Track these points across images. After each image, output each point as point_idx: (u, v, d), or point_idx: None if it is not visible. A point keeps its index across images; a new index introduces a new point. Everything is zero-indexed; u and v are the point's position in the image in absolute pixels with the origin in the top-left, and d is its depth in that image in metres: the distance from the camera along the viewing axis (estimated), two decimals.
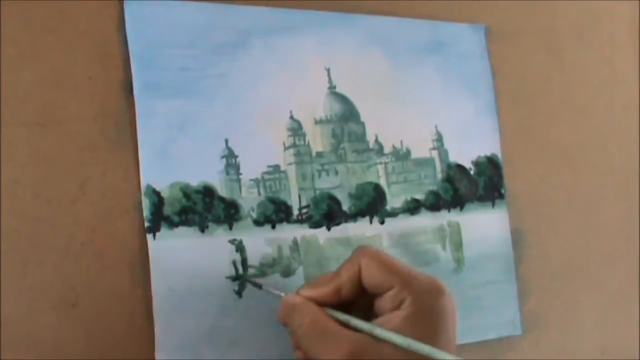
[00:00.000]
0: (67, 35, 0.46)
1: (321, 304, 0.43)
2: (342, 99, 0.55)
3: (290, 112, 0.53)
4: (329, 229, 0.53)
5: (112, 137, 0.47)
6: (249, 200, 0.50)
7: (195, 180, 0.48)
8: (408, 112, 0.57)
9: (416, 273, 0.42)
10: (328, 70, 0.55)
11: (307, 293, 0.43)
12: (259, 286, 0.48)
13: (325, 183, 0.53)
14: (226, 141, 0.50)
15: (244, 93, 0.51)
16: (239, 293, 0.49)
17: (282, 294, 0.45)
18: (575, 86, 0.67)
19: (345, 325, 0.42)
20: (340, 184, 0.54)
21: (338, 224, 0.53)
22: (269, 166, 0.51)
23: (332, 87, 0.55)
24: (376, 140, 0.56)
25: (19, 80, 0.45)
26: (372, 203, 0.55)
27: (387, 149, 0.56)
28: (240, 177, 0.50)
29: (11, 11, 0.45)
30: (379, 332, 0.40)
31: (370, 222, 0.54)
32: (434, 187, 0.58)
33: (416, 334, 0.40)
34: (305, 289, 0.44)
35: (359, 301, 0.43)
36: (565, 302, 0.64)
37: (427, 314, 0.41)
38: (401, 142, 0.57)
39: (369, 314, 0.43)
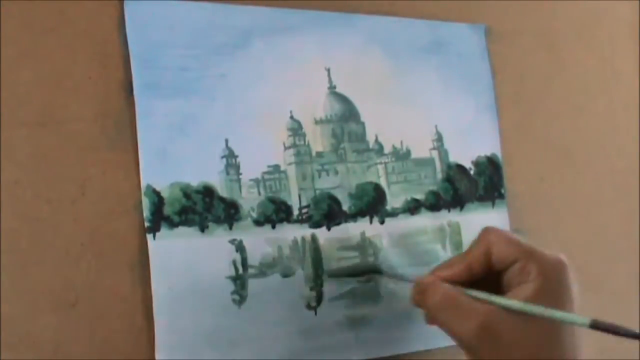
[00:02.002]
0: (67, 35, 0.46)
1: (454, 282, 0.45)
2: (342, 99, 0.55)
3: (290, 112, 0.53)
4: (329, 229, 0.53)
5: (112, 137, 0.47)
6: (249, 200, 0.50)
7: (195, 180, 0.48)
8: (408, 112, 0.57)
9: (540, 249, 0.45)
10: (328, 70, 0.55)
11: (442, 273, 0.46)
12: (379, 273, 0.51)
13: (325, 183, 0.53)
14: (226, 141, 0.50)
15: (244, 93, 0.51)
16: (239, 293, 0.48)
17: (411, 278, 0.47)
18: (575, 86, 0.67)
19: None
20: (340, 184, 0.54)
21: (338, 224, 0.53)
22: (269, 166, 0.51)
23: (332, 87, 0.55)
24: (376, 140, 0.56)
25: (19, 80, 0.45)
26: (372, 203, 0.55)
27: (387, 149, 0.56)
28: (240, 177, 0.50)
29: (11, 11, 0.45)
30: (504, 302, 0.42)
31: (370, 222, 0.54)
32: (434, 187, 0.58)
33: (547, 303, 0.42)
34: (439, 270, 0.46)
35: (487, 280, 0.45)
36: None
37: (554, 285, 0.43)
38: (401, 142, 0.57)
39: (497, 291, 0.44)
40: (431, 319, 0.45)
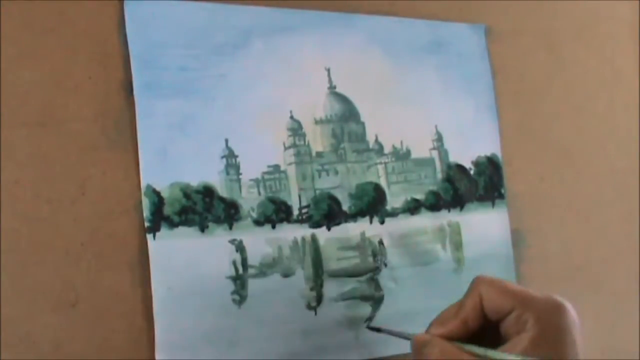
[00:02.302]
0: (67, 35, 0.46)
1: (451, 338, 0.43)
2: (342, 99, 0.55)
3: (290, 112, 0.53)
4: (329, 229, 0.53)
5: (112, 137, 0.47)
6: (249, 200, 0.50)
7: (195, 180, 0.48)
8: (408, 112, 0.57)
9: (534, 293, 0.43)
10: (328, 70, 0.55)
11: (437, 331, 0.44)
12: (378, 330, 0.49)
13: (325, 183, 0.53)
14: (226, 141, 0.50)
15: (244, 93, 0.51)
16: (239, 293, 0.49)
17: (410, 336, 0.46)
18: (575, 86, 0.67)
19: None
20: (340, 184, 0.54)
21: (338, 224, 0.53)
22: (269, 166, 0.51)
23: (332, 87, 0.55)
24: (376, 140, 0.56)
25: (19, 80, 0.45)
26: (372, 203, 0.55)
27: (387, 149, 0.56)
28: (240, 177, 0.50)
29: (11, 11, 0.45)
30: (499, 356, 0.41)
31: (370, 222, 0.54)
32: (434, 187, 0.58)
33: (544, 353, 0.40)
34: (434, 327, 0.45)
35: (487, 329, 0.44)
36: None
37: (552, 332, 0.41)
38: (401, 142, 0.57)
39: (498, 340, 0.43)
40: None
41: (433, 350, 0.43)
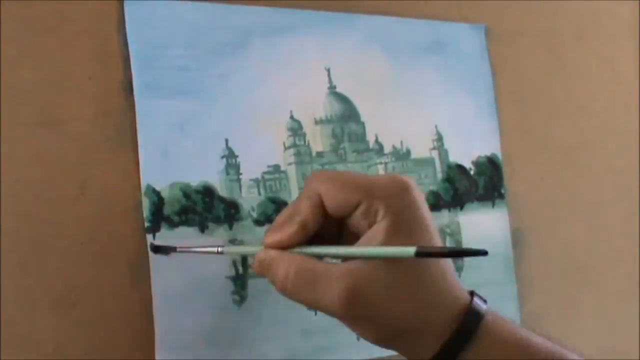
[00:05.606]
0: (67, 35, 0.46)
1: (290, 245, 0.39)
2: (342, 99, 0.55)
3: (290, 112, 0.53)
4: None
5: (112, 137, 0.47)
6: (249, 200, 0.50)
7: (195, 180, 0.48)
8: (408, 112, 0.57)
9: (376, 178, 0.40)
10: (328, 70, 0.55)
11: (274, 239, 0.40)
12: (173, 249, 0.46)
13: None
14: (226, 141, 0.50)
15: (244, 93, 0.51)
16: (239, 293, 0.48)
17: (218, 249, 0.43)
18: (575, 86, 0.67)
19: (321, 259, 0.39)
20: None
21: None
22: (269, 166, 0.51)
23: (332, 87, 0.55)
24: (376, 140, 0.56)
25: (19, 80, 0.45)
26: None
27: (387, 149, 0.56)
28: (241, 177, 0.50)
29: (11, 11, 0.45)
30: (344, 251, 0.38)
31: None
32: (434, 187, 0.58)
33: (404, 238, 0.37)
34: (270, 236, 0.40)
35: (328, 229, 0.40)
36: (565, 302, 0.63)
37: (404, 214, 0.38)
38: (401, 142, 0.57)
39: (343, 240, 0.40)
40: (287, 296, 0.40)
41: (289, 272, 0.38)
